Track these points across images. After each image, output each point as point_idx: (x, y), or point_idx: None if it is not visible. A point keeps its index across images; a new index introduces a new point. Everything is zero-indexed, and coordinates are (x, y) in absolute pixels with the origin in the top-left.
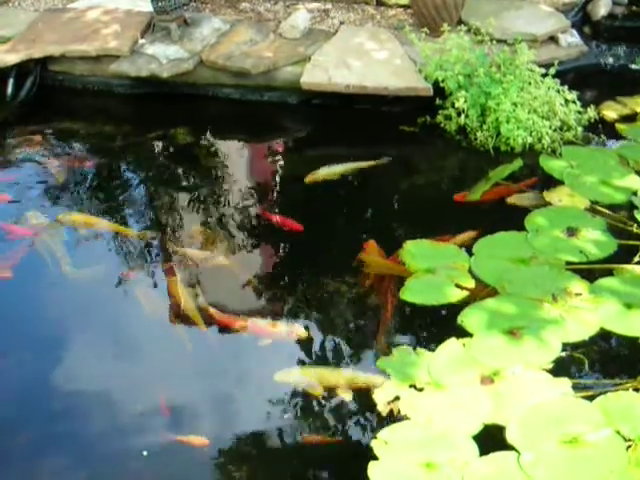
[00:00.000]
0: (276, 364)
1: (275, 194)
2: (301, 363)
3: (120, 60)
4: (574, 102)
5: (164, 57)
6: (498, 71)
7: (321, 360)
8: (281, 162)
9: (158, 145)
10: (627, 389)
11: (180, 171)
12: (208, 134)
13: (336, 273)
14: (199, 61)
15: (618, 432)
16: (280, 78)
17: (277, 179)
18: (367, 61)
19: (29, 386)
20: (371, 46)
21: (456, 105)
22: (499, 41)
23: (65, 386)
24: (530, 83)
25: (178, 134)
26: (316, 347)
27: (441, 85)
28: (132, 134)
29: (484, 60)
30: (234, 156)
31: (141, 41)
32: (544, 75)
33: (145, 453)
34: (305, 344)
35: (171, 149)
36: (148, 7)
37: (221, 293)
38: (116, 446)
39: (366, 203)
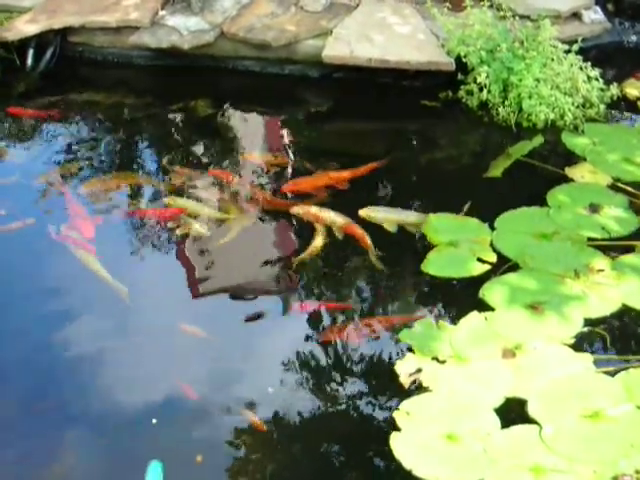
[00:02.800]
0: None
1: (292, 167)
2: None
3: (140, 31)
4: (597, 79)
5: (185, 29)
6: (521, 47)
7: None
8: (301, 136)
9: (178, 117)
10: None
11: (200, 143)
12: (228, 106)
13: None
14: (220, 33)
15: (639, 407)
16: (301, 51)
17: (295, 153)
18: (389, 35)
19: None
20: (393, 20)
21: (478, 80)
22: (522, 17)
23: None
24: (553, 59)
25: (198, 106)
26: None
27: (463, 60)
28: (152, 106)
29: (507, 36)
30: (253, 129)
31: (161, 12)
32: (567, 51)
33: None
34: None
35: (191, 121)
36: None
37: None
38: None
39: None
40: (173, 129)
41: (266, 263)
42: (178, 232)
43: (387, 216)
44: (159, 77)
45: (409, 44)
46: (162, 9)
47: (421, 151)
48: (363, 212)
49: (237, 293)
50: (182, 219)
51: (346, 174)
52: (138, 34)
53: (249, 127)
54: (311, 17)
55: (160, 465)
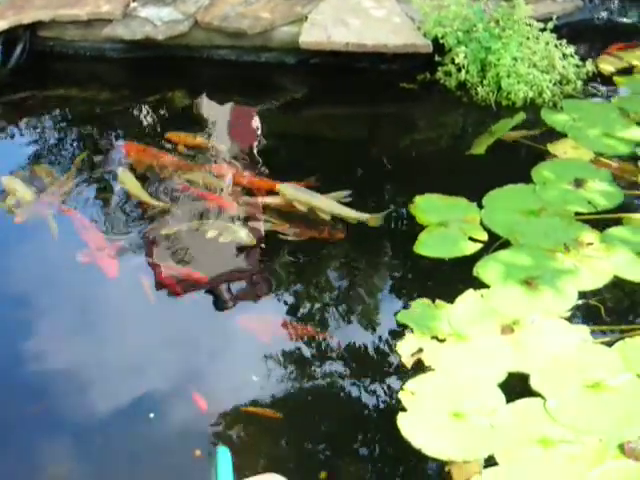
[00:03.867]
0: None
1: (272, 154)
2: None
3: (113, 24)
4: (572, 56)
5: (158, 19)
6: (497, 26)
7: None
8: (279, 122)
9: (155, 109)
10: None
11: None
12: (205, 96)
13: None
14: (194, 23)
15: (638, 375)
16: (277, 38)
17: (273, 139)
18: (365, 19)
19: None
20: (368, 4)
21: (456, 61)
22: None
23: None
24: (528, 38)
25: (175, 97)
26: None
27: (440, 42)
28: (128, 99)
29: (482, 15)
30: (232, 118)
31: (133, 4)
32: (542, 30)
33: None
34: None
35: (169, 112)
36: None
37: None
38: None
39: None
40: (150, 121)
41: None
42: (221, 240)
43: (298, 196)
44: (133, 70)
45: (385, 27)
46: (133, 1)
47: (402, 133)
48: (281, 186)
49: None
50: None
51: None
52: (111, 27)
53: (226, 116)
54: (285, 3)
55: (227, 450)
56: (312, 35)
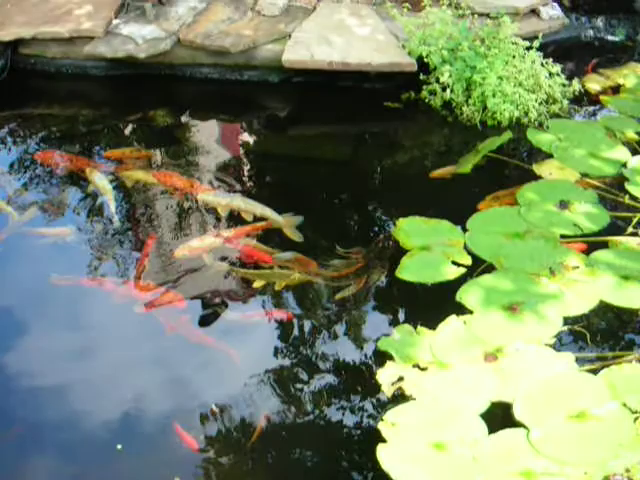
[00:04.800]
0: None
1: (255, 174)
2: None
3: (95, 41)
4: (558, 75)
5: (140, 37)
6: (482, 45)
7: None
8: (263, 141)
9: (136, 128)
10: (630, 361)
11: (159, 153)
12: (188, 115)
13: None
14: (176, 41)
15: (624, 404)
16: (260, 56)
17: (257, 159)
18: (349, 37)
19: None
20: (352, 22)
21: (441, 80)
22: (480, 15)
23: None
24: (514, 56)
25: (157, 116)
26: None
27: (425, 60)
28: (109, 117)
29: (467, 34)
30: (214, 137)
31: (115, 21)
32: (528, 48)
33: None
34: None
35: (150, 131)
36: None
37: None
38: None
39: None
40: (132, 141)
41: None
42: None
43: (218, 200)
44: (115, 88)
45: (369, 46)
46: (115, 18)
47: (386, 152)
48: (201, 196)
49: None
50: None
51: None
52: (93, 44)
53: (209, 136)
54: (268, 21)
55: None
56: (295, 53)
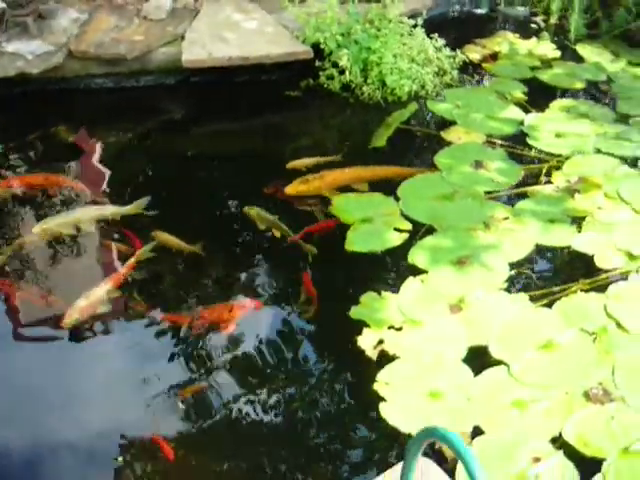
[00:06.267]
0: None
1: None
2: None
3: None
4: (444, 48)
5: (29, 53)
6: (372, 27)
7: None
8: (166, 143)
9: (40, 146)
10: (575, 292)
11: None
12: (91, 127)
13: None
14: (67, 53)
15: (582, 329)
16: (155, 60)
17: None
18: (241, 33)
19: None
20: (239, 18)
21: (340, 64)
22: None
23: None
24: (402, 35)
25: (60, 132)
26: None
27: (321, 46)
28: (10, 139)
29: (357, 17)
30: (119, 145)
31: None
32: (414, 26)
33: None
34: None
35: (55, 148)
36: None
37: None
38: None
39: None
40: (36, 158)
41: None
42: None
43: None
44: (6, 108)
45: (263, 39)
46: None
47: (295, 139)
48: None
49: None
50: None
51: None
52: None
53: (116, 144)
54: (157, 25)
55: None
56: (193, 53)
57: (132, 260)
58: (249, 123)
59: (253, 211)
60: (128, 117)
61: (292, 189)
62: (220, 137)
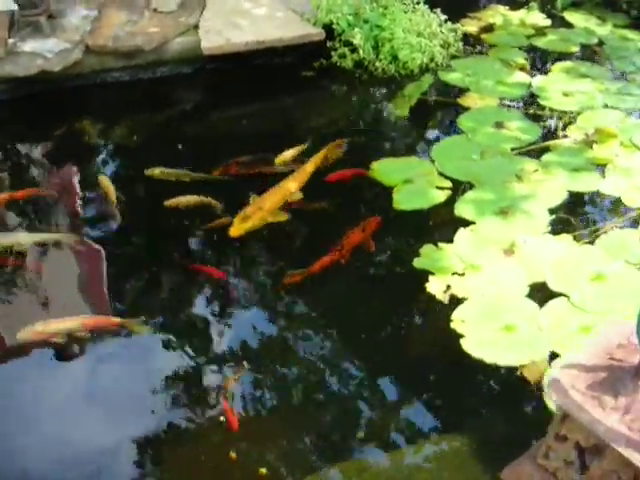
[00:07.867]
0: None
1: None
2: None
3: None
4: (446, 22)
5: (48, 51)
6: (379, 5)
7: None
8: (188, 129)
9: (68, 141)
10: (612, 228)
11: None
12: (115, 120)
13: None
14: (84, 49)
15: (626, 261)
16: (171, 50)
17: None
18: (253, 19)
19: None
20: (249, 5)
21: (354, 42)
22: None
23: None
24: (407, 12)
25: (85, 126)
26: None
27: (334, 27)
28: (34, 137)
29: None
30: (143, 134)
31: (11, 40)
32: (417, 3)
33: None
34: None
35: (84, 142)
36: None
37: None
38: None
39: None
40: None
41: None
42: None
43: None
44: (25, 108)
45: (274, 23)
46: (9, 37)
47: (321, 115)
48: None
49: None
50: None
51: None
52: None
53: (139, 134)
54: (169, 17)
55: None
56: (211, 41)
57: None
58: (268, 105)
59: (157, 171)
60: (148, 107)
61: (236, 231)
62: (241, 119)
